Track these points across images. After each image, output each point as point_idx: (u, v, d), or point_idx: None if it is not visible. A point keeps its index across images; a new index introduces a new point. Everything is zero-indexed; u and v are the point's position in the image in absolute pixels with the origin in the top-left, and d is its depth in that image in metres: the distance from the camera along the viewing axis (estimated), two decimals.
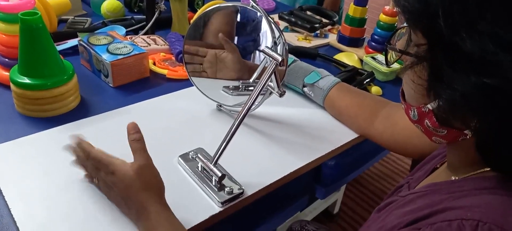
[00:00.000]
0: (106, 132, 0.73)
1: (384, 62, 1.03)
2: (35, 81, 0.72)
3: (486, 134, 0.38)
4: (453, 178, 0.45)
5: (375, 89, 0.96)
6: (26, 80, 0.72)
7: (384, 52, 1.04)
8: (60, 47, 0.97)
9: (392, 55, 0.48)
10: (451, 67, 0.35)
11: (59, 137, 0.70)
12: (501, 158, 0.38)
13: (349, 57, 1.10)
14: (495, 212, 0.36)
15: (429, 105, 0.41)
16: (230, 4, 0.77)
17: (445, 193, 0.41)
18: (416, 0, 0.37)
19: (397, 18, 1.11)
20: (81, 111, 0.78)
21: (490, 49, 0.33)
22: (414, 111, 0.43)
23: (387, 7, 1.10)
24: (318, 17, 1.34)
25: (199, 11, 1.12)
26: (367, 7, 1.15)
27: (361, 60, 1.09)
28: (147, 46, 0.99)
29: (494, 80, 0.33)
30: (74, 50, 0.98)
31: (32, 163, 0.64)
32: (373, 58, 1.05)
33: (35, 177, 0.62)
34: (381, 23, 1.11)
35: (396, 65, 0.95)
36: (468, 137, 0.40)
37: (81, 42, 0.91)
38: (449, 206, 0.39)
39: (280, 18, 1.32)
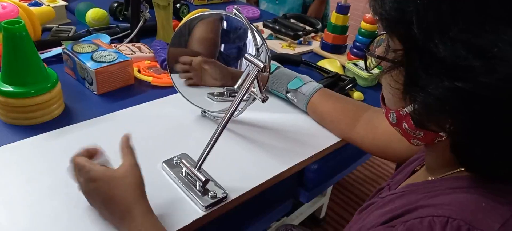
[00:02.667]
0: (90, 139, 0.73)
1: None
2: (18, 89, 0.72)
3: (459, 135, 0.39)
4: (429, 178, 0.47)
5: (356, 94, 0.99)
6: (9, 88, 0.72)
7: (363, 59, 1.07)
8: (44, 55, 0.97)
9: (371, 61, 0.49)
10: (425, 71, 0.37)
11: (43, 144, 0.70)
12: (474, 158, 0.40)
13: (331, 63, 1.13)
14: (465, 209, 0.38)
15: (406, 109, 0.42)
16: (214, 12, 0.79)
17: (421, 192, 0.43)
18: (393, 8, 0.38)
19: (377, 25, 1.13)
20: (65, 119, 0.78)
21: (461, 54, 0.34)
22: (393, 115, 0.45)
23: (367, 15, 1.13)
24: (301, 24, 1.36)
25: (184, 19, 1.13)
26: (348, 15, 1.18)
27: (344, 67, 1.11)
28: (132, 54, 1.00)
29: (466, 84, 0.34)
30: (58, 59, 0.98)
31: (15, 171, 0.64)
32: (355, 64, 1.07)
33: (19, 184, 0.62)
34: (362, 30, 1.14)
35: (376, 71, 0.98)
36: (443, 138, 0.42)
37: (65, 50, 0.92)
38: (423, 204, 0.40)
39: (265, 26, 1.34)
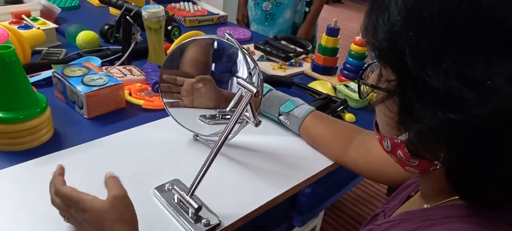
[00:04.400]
0: (81, 165, 0.71)
1: (356, 89, 1.06)
2: (7, 115, 0.71)
3: (454, 165, 0.39)
4: (425, 206, 0.47)
5: (348, 116, 0.99)
6: None
7: (357, 84, 1.08)
8: (34, 79, 0.96)
9: (365, 88, 0.49)
10: (419, 102, 0.37)
11: (32, 170, 0.69)
12: (469, 186, 0.40)
13: (323, 85, 1.13)
14: None
15: (400, 137, 0.42)
16: (206, 36, 0.79)
17: (417, 221, 0.43)
18: (385, 38, 0.38)
19: (367, 47, 1.15)
20: (54, 144, 0.77)
21: (454, 85, 0.34)
22: (387, 142, 0.45)
23: (357, 38, 1.14)
24: (292, 46, 1.37)
25: (176, 42, 1.14)
26: (339, 37, 1.19)
27: (335, 88, 1.12)
28: (123, 77, 0.99)
29: (460, 115, 0.34)
30: (48, 82, 0.97)
31: (4, 198, 0.62)
32: (346, 86, 1.08)
33: (8, 212, 0.60)
34: (352, 52, 1.15)
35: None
36: (438, 167, 0.42)
37: (55, 73, 0.91)
38: None
39: (256, 47, 1.35)
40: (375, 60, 0.46)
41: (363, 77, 0.49)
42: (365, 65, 1.12)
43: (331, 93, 1.09)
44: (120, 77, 0.98)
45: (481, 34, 0.34)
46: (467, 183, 0.39)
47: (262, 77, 0.73)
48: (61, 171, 0.57)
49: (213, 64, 0.82)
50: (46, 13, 1.35)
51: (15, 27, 1.09)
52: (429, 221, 0.41)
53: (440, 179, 0.42)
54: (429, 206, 0.45)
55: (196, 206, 0.60)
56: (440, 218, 0.41)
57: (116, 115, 0.89)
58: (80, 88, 0.85)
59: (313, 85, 1.14)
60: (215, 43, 0.80)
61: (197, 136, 0.83)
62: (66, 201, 0.54)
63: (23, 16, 1.23)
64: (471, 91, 0.34)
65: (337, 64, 1.24)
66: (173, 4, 1.68)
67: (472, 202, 0.40)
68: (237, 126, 0.69)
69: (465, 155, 0.37)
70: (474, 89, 0.34)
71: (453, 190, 0.41)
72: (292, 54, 1.28)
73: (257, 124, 0.67)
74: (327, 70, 1.21)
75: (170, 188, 0.67)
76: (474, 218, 0.39)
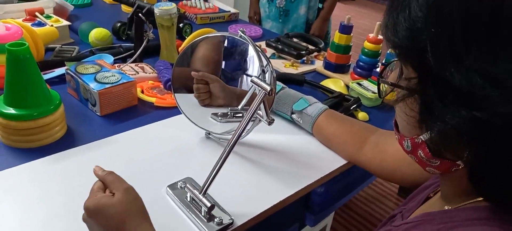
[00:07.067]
0: (93, 162, 0.70)
1: (369, 88, 1.05)
2: (21, 112, 0.71)
3: (477, 165, 0.38)
4: (446, 208, 0.46)
5: (361, 115, 0.98)
6: (12, 111, 0.71)
7: (371, 82, 1.07)
8: (47, 76, 0.96)
9: (384, 87, 0.48)
10: (441, 100, 0.36)
11: (45, 167, 0.69)
12: (493, 188, 0.39)
13: (335, 83, 1.12)
14: None
15: (421, 137, 0.41)
16: (218, 34, 0.78)
17: (438, 223, 0.42)
18: (406, 36, 0.38)
19: (381, 45, 1.13)
20: (67, 141, 0.77)
21: (478, 83, 0.33)
22: (407, 142, 0.44)
23: (371, 35, 1.13)
24: (304, 44, 1.36)
25: (188, 39, 1.13)
26: (351, 34, 1.17)
27: (347, 86, 1.10)
28: (135, 74, 0.99)
29: (483, 114, 0.34)
30: (61, 79, 0.97)
31: (17, 195, 0.63)
32: (359, 84, 1.07)
33: (19, 210, 0.60)
34: (366, 50, 1.14)
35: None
36: (460, 167, 0.40)
37: (68, 71, 0.91)
38: None
39: (267, 45, 1.34)
40: (394, 59, 0.45)
41: (382, 75, 0.48)
42: (382, 63, 1.11)
43: (344, 91, 1.07)
44: (132, 74, 0.98)
45: (502, 31, 0.33)
46: (490, 184, 0.38)
47: (275, 75, 0.72)
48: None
49: (225, 62, 0.81)
50: (59, 11, 1.35)
51: (28, 24, 1.10)
52: (450, 223, 0.40)
53: (462, 180, 0.41)
54: (450, 207, 0.44)
55: (209, 204, 0.60)
56: (462, 220, 0.40)
57: (128, 113, 0.89)
58: (93, 85, 0.85)
59: (326, 83, 1.13)
60: (227, 42, 0.79)
61: (209, 134, 0.83)
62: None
63: (37, 13, 1.24)
64: (495, 89, 0.33)
65: (350, 62, 1.22)
66: (184, 2, 1.68)
67: (496, 205, 0.39)
68: (250, 124, 0.69)
69: (488, 155, 0.36)
70: (498, 87, 0.33)
71: (476, 192, 0.40)
72: (304, 52, 1.27)
73: (270, 122, 0.66)
74: (339, 68, 1.20)
75: (182, 186, 0.66)
76: (497, 221, 0.38)
